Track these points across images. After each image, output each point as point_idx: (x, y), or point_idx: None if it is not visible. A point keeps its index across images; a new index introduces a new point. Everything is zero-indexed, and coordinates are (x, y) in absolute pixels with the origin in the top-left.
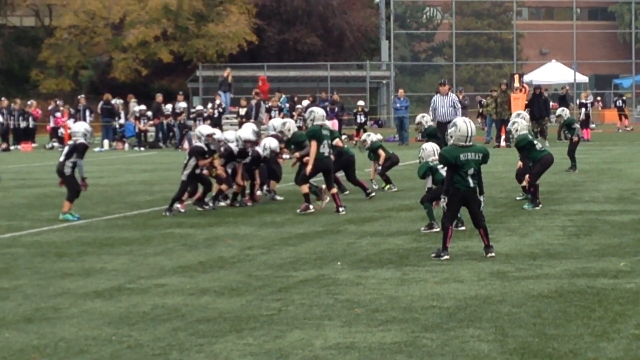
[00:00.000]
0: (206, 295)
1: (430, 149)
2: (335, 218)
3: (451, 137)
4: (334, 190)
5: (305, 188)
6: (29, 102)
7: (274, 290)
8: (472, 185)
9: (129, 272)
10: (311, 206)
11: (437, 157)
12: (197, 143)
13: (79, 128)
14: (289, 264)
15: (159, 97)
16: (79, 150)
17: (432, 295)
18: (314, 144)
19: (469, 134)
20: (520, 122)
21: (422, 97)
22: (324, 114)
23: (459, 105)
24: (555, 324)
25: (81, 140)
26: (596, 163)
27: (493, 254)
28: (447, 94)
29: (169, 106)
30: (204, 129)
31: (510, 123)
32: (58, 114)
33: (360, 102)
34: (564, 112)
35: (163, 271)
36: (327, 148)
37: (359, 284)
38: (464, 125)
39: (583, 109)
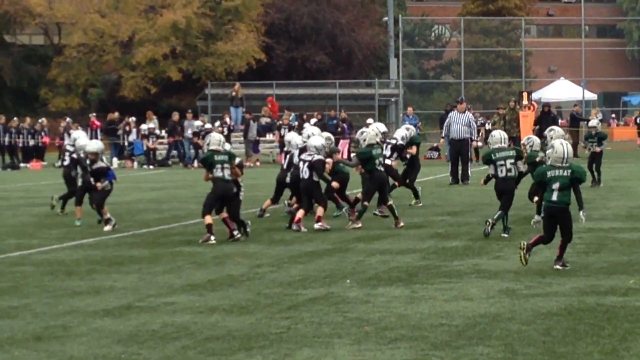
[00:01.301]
0: (215, 314)
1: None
2: (345, 236)
3: (548, 157)
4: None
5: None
6: (39, 120)
7: (283, 308)
8: (555, 199)
9: (138, 290)
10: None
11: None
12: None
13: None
14: (298, 282)
15: (176, 116)
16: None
17: (441, 313)
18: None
19: (565, 156)
20: (535, 139)
21: (431, 114)
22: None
23: (474, 125)
24: (565, 341)
25: (100, 164)
26: (605, 180)
27: (559, 267)
28: (463, 112)
29: (197, 122)
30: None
31: (525, 139)
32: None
33: (370, 120)
34: (599, 124)
35: (172, 289)
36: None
37: (368, 301)
38: (560, 148)
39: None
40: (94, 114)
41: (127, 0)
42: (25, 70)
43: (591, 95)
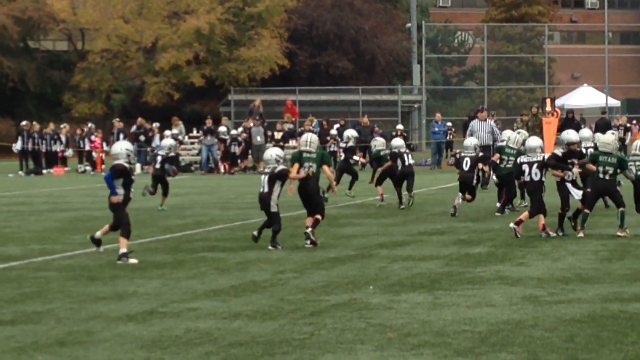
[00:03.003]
0: (238, 319)
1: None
2: (367, 242)
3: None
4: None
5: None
6: (61, 126)
7: (306, 314)
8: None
9: (162, 295)
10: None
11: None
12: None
13: (118, 149)
14: (321, 288)
15: (209, 121)
16: (117, 172)
17: (465, 319)
18: None
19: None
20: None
21: (454, 121)
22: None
23: (497, 131)
24: (588, 348)
25: (119, 161)
26: (629, 187)
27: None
28: (485, 120)
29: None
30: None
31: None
32: (93, 137)
33: (399, 126)
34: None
35: (195, 295)
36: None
37: (391, 308)
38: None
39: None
40: (117, 119)
41: (151, 6)
42: (49, 75)
43: (614, 102)
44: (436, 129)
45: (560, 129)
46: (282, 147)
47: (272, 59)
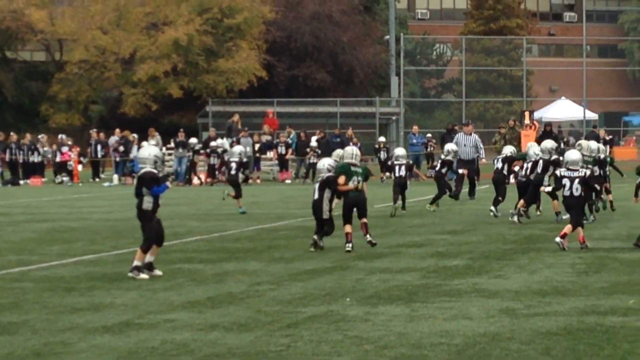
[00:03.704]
0: (215, 331)
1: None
2: (344, 254)
3: None
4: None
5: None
6: (40, 137)
7: (282, 326)
8: None
9: (138, 307)
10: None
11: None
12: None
13: (145, 154)
14: (298, 300)
15: (181, 134)
16: (145, 181)
17: (441, 332)
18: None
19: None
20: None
21: (432, 133)
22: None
23: (482, 145)
24: None
25: (147, 167)
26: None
27: None
28: (470, 134)
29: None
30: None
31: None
32: (65, 149)
33: (382, 138)
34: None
35: (172, 306)
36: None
37: (368, 320)
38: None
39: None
40: (95, 130)
41: (129, 17)
42: (27, 86)
43: (592, 115)
44: (414, 140)
45: (538, 142)
46: (259, 159)
47: (250, 71)
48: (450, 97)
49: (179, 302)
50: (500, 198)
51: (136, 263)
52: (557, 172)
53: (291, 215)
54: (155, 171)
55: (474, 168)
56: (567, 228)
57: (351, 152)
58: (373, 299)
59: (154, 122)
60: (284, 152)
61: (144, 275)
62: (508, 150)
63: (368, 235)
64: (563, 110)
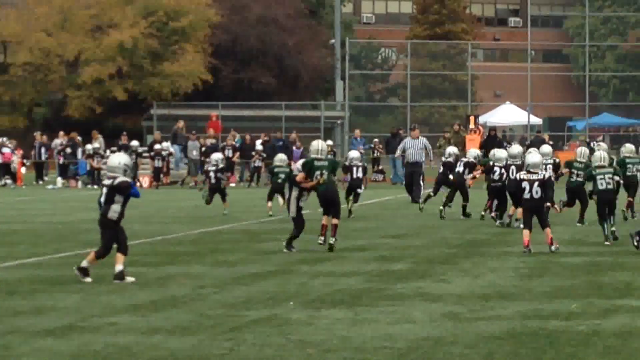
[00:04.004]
0: (158, 334)
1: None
2: (288, 258)
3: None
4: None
5: None
6: None
7: (225, 329)
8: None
9: (81, 310)
10: None
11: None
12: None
13: (116, 162)
14: (242, 304)
15: (124, 137)
16: (122, 189)
17: (384, 335)
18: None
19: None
20: None
21: (377, 137)
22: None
23: (430, 148)
24: None
25: (119, 176)
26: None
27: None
28: (417, 138)
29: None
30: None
31: None
32: (6, 150)
33: (329, 142)
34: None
35: (115, 309)
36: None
37: (311, 324)
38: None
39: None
40: (39, 132)
41: (74, 20)
42: None
43: (536, 120)
44: (355, 145)
45: (482, 146)
46: (204, 162)
47: (196, 74)
48: (395, 102)
49: (122, 306)
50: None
51: (119, 268)
52: (517, 176)
53: (235, 219)
54: (129, 180)
55: (420, 171)
56: (547, 232)
57: (316, 147)
58: (316, 302)
59: (99, 125)
60: (230, 155)
61: (130, 279)
62: (472, 154)
63: (332, 238)
64: (507, 115)
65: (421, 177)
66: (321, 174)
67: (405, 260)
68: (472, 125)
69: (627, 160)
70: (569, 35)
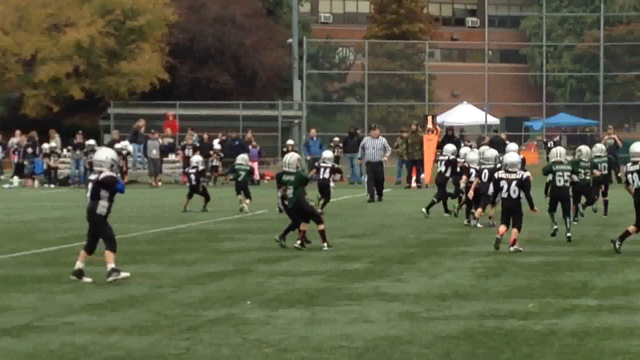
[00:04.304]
0: (115, 334)
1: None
2: (246, 257)
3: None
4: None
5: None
6: None
7: (183, 329)
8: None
9: (38, 309)
10: None
11: None
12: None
13: (103, 157)
14: (199, 303)
15: (79, 136)
16: (108, 185)
17: (342, 335)
18: None
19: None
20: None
21: (334, 137)
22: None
23: (389, 148)
24: None
25: (105, 170)
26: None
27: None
28: (377, 137)
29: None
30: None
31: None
32: None
33: (290, 141)
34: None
35: (72, 309)
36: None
37: (269, 323)
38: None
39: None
40: None
41: (31, 18)
42: None
43: (494, 120)
44: (311, 144)
45: (439, 146)
46: (162, 161)
47: (153, 73)
48: (353, 101)
49: (79, 305)
50: (436, 200)
51: (110, 266)
52: (495, 175)
53: (192, 218)
54: (115, 175)
55: (381, 170)
56: (514, 233)
57: (285, 161)
58: (274, 302)
59: (56, 124)
60: (190, 154)
61: (124, 274)
62: (449, 151)
63: (325, 244)
64: (465, 114)
65: (383, 176)
66: (285, 189)
67: (363, 260)
68: (429, 125)
69: (596, 160)
70: (526, 35)
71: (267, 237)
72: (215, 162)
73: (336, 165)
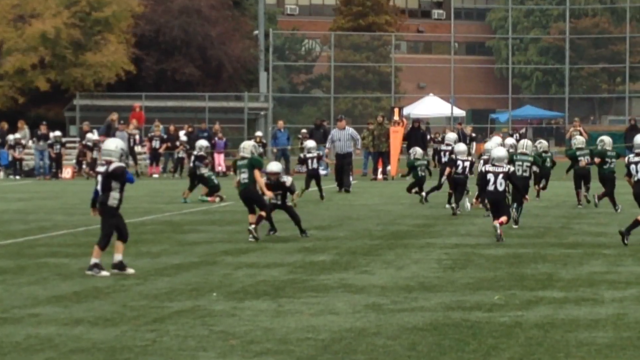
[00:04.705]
0: (80, 326)
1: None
2: (212, 249)
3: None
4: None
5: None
6: None
7: (148, 320)
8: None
9: (2, 301)
10: None
11: None
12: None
13: (112, 146)
14: (164, 295)
15: (43, 127)
16: (118, 176)
17: (308, 327)
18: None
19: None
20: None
21: (300, 129)
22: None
23: (358, 137)
24: (430, 356)
25: (116, 163)
26: (473, 197)
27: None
28: (344, 128)
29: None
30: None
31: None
32: None
33: (259, 133)
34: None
35: (37, 301)
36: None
37: (235, 315)
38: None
39: (474, 143)
40: None
41: None
42: None
43: (460, 112)
44: (278, 136)
45: (406, 138)
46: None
47: (119, 64)
48: (319, 93)
49: (44, 297)
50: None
51: (94, 260)
52: (482, 168)
53: (158, 210)
54: (124, 165)
55: (349, 161)
56: (504, 219)
57: (242, 146)
58: (240, 294)
59: (22, 115)
60: (158, 146)
61: (104, 273)
62: (451, 139)
63: (253, 227)
64: (431, 106)
65: (350, 168)
66: (239, 181)
67: (329, 251)
68: (396, 117)
69: (578, 153)
70: (492, 27)
71: (232, 228)
72: (182, 154)
73: (321, 153)
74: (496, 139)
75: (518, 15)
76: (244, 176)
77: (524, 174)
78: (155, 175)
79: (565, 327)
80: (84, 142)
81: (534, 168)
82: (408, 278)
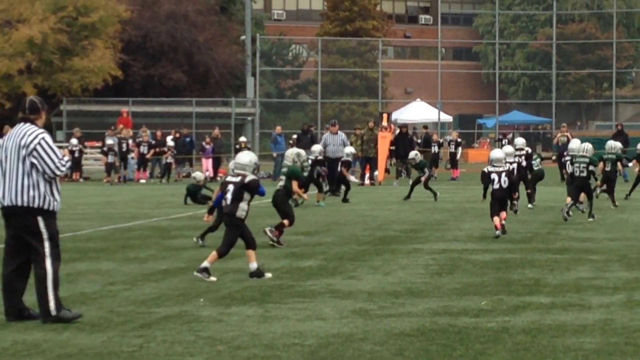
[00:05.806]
0: (67, 331)
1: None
2: (199, 254)
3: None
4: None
5: None
6: None
7: (135, 326)
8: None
9: None
10: None
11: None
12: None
13: (247, 160)
14: (152, 300)
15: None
16: (254, 188)
17: (294, 332)
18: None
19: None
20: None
21: (287, 134)
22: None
23: (347, 141)
24: None
25: (251, 176)
26: (459, 202)
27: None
28: (336, 133)
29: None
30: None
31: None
32: None
33: (242, 138)
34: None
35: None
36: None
37: (222, 320)
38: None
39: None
40: None
41: None
42: None
43: (447, 117)
44: (279, 139)
45: (393, 144)
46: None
47: (106, 70)
48: (306, 98)
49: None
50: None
51: (206, 264)
52: (485, 169)
53: (145, 215)
54: (257, 178)
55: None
56: (503, 215)
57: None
58: (227, 299)
59: (8, 121)
60: (145, 151)
61: (212, 278)
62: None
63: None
64: (418, 112)
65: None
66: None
67: (316, 257)
68: (384, 123)
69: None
70: (479, 33)
71: (219, 234)
72: (170, 159)
73: (320, 157)
74: (576, 141)
75: (505, 21)
76: (281, 183)
77: (581, 174)
78: (143, 181)
79: (553, 332)
80: (69, 148)
81: (591, 167)
82: (395, 283)
